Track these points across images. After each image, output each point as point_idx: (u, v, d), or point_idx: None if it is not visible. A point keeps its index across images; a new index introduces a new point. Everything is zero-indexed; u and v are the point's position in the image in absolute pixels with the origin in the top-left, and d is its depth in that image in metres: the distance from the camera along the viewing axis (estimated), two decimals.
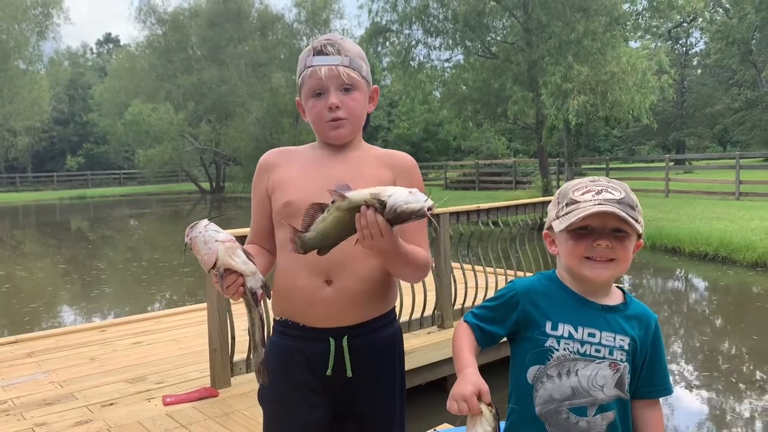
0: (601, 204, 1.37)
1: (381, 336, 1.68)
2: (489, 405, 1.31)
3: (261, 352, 1.55)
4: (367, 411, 1.67)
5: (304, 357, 1.64)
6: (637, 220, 1.38)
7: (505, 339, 1.52)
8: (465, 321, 1.52)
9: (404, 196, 1.34)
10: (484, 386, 1.33)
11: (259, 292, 1.50)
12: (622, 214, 1.36)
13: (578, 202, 1.40)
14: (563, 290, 1.48)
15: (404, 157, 1.74)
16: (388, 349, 1.70)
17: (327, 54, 1.63)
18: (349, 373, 1.62)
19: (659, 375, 1.49)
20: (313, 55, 1.64)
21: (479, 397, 1.31)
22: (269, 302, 1.64)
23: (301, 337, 1.65)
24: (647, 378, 1.48)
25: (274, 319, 1.74)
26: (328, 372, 1.62)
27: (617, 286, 1.53)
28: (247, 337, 3.45)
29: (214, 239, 1.45)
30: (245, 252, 1.49)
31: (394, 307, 1.75)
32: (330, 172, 1.65)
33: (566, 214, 1.41)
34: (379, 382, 1.68)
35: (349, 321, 1.63)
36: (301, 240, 1.43)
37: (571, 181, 1.50)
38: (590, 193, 1.41)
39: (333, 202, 1.38)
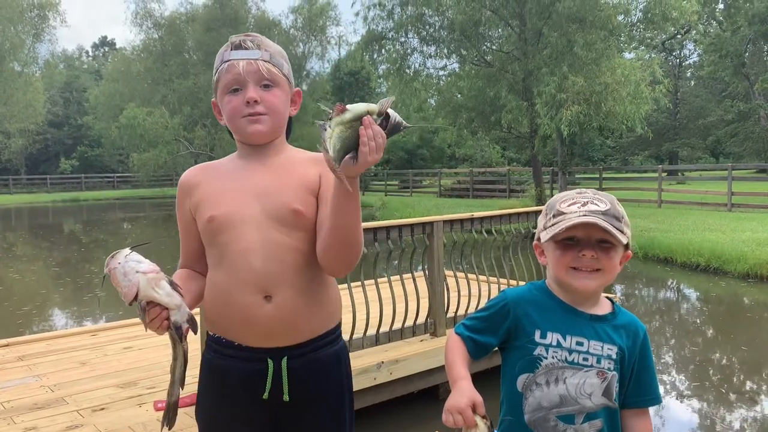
0: (585, 215, 1.40)
1: (324, 355, 1.57)
2: (483, 417, 1.32)
3: (176, 392, 1.45)
4: None
5: (238, 377, 1.53)
6: (622, 231, 1.41)
7: (496, 348, 1.54)
8: (456, 333, 1.53)
9: (393, 111, 1.34)
10: (479, 398, 1.34)
11: (185, 326, 1.42)
12: (606, 225, 1.39)
13: (564, 213, 1.44)
14: (552, 300, 1.50)
15: None
16: (332, 368, 1.59)
17: (246, 48, 1.53)
18: (286, 398, 1.52)
19: (648, 384, 1.51)
20: (231, 50, 1.55)
21: (474, 410, 1.32)
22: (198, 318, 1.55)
23: (236, 357, 1.54)
24: (635, 387, 1.50)
25: (207, 334, 1.63)
26: (265, 395, 1.51)
27: (606, 297, 1.56)
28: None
29: (135, 270, 1.36)
30: (172, 283, 1.40)
31: (340, 322, 1.65)
32: (249, 182, 1.56)
33: (553, 225, 1.45)
34: (323, 404, 1.57)
35: (290, 340, 1.52)
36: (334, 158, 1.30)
37: (560, 193, 1.53)
38: (576, 204, 1.44)
39: (330, 118, 1.31)
